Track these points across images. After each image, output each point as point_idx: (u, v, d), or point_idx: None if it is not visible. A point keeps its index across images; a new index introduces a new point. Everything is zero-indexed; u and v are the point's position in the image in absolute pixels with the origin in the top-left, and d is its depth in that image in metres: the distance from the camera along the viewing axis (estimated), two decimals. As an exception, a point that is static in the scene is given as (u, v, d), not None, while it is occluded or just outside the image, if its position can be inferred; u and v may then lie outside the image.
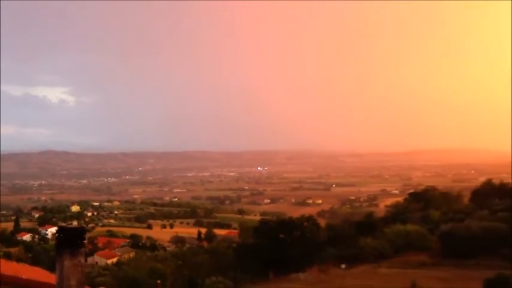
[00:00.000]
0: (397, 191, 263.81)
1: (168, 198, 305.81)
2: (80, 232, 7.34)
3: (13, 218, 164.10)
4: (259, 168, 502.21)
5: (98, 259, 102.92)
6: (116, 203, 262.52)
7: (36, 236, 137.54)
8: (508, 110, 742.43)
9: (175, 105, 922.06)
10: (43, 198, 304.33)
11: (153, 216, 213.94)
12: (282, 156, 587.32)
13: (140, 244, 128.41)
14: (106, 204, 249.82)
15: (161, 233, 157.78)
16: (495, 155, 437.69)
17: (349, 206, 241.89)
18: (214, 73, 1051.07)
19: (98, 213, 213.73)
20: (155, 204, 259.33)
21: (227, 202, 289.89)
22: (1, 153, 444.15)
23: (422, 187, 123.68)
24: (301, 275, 53.73)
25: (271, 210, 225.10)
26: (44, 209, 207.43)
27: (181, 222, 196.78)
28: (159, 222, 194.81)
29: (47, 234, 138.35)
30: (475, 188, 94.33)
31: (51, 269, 10.27)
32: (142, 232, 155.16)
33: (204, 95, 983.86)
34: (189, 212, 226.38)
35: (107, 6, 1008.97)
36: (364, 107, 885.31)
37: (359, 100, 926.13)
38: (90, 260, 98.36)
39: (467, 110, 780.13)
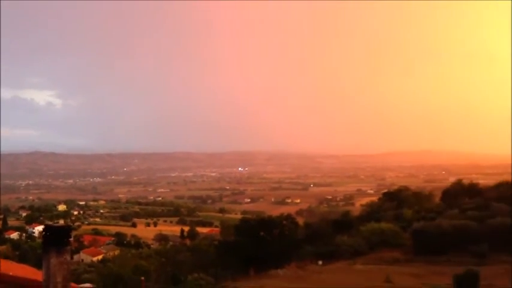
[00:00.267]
0: (371, 191, 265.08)
1: (152, 197, 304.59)
2: (66, 230, 7.29)
3: (1, 216, 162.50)
4: (240, 168, 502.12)
5: (84, 256, 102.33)
6: (102, 202, 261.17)
7: (24, 234, 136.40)
8: (478, 113, 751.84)
9: (160, 108, 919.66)
10: (30, 197, 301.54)
11: (137, 215, 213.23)
12: (262, 157, 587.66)
13: (125, 242, 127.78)
14: (92, 203, 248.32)
15: (145, 231, 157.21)
16: (465, 157, 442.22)
17: (326, 205, 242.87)
18: (197, 76, 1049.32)
19: (83, 212, 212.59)
20: (139, 204, 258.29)
21: (209, 201, 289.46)
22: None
23: (396, 187, 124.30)
24: (280, 271, 53.79)
25: (252, 209, 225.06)
26: (31, 208, 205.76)
27: (165, 221, 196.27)
28: (143, 220, 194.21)
29: (34, 233, 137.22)
30: (445, 188, 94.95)
31: (38, 266, 10.19)
32: (127, 230, 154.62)
33: (187, 98, 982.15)
34: (172, 210, 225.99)
35: (92, 9, 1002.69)
36: (341, 110, 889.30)
37: (336, 103, 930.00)
38: (76, 257, 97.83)
39: (439, 114, 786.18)
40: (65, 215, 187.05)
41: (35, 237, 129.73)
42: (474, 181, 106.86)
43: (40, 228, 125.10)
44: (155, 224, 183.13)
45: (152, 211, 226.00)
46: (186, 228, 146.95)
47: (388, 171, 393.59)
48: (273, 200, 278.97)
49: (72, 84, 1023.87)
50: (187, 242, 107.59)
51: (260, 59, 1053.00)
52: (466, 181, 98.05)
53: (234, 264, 55.08)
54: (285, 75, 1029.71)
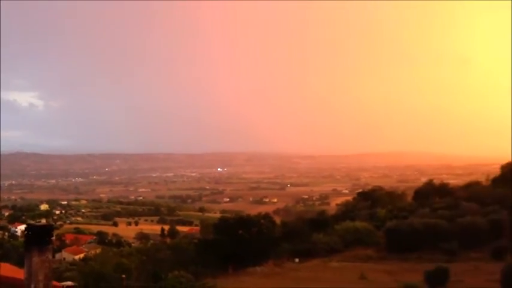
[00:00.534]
0: (346, 191, 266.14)
1: (133, 197, 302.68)
2: (48, 229, 7.21)
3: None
4: (219, 169, 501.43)
5: (66, 255, 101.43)
6: (83, 201, 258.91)
7: (6, 234, 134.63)
8: (450, 115, 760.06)
9: (141, 109, 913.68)
10: (13, 197, 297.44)
11: (118, 214, 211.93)
12: (240, 157, 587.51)
13: (106, 241, 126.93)
14: (74, 203, 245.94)
15: (126, 230, 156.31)
16: (437, 158, 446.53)
17: (302, 205, 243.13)
18: (178, 78, 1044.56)
19: (65, 212, 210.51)
20: (121, 203, 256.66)
21: (189, 201, 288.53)
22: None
23: (370, 187, 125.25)
24: (258, 269, 53.87)
25: (231, 208, 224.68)
26: (14, 207, 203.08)
27: (146, 220, 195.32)
28: (125, 219, 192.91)
29: (16, 232, 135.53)
30: (417, 187, 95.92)
31: (20, 264, 10.07)
32: (109, 229, 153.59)
33: (168, 100, 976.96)
34: (153, 210, 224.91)
35: (73, 11, 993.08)
36: (318, 112, 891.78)
37: (313, 104, 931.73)
38: (58, 256, 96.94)
39: (413, 116, 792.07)
40: (47, 214, 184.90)
41: (17, 236, 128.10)
42: (445, 181, 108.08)
43: (22, 227, 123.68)
44: (136, 223, 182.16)
45: (133, 210, 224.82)
46: (167, 227, 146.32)
47: (363, 172, 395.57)
48: (251, 199, 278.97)
49: (53, 85, 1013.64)
50: (168, 240, 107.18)
51: (239, 62, 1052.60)
52: (437, 181, 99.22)
53: (214, 262, 55.06)
54: (264, 78, 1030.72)
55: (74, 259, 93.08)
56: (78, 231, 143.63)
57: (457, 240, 55.18)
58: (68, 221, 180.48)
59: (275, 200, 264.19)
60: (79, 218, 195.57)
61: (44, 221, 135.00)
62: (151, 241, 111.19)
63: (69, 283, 20.18)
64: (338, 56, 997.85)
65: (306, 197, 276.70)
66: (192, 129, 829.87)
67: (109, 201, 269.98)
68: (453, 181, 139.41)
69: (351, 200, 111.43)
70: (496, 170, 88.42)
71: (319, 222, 75.61)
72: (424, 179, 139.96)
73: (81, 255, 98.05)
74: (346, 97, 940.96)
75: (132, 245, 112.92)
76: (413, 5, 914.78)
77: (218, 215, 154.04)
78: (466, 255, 51.55)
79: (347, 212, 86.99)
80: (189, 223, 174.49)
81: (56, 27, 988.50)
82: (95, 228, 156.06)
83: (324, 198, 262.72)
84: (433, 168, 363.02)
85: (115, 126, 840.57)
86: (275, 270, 52.95)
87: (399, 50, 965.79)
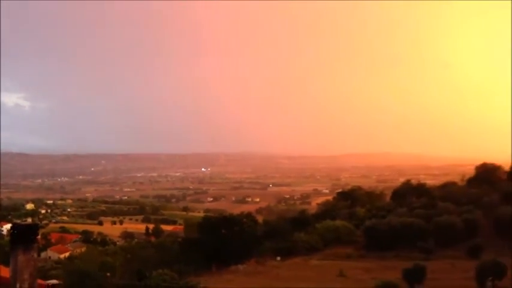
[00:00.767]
0: (327, 191, 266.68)
1: (118, 196, 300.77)
2: (33, 228, 7.16)
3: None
4: (202, 169, 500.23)
5: (51, 254, 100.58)
6: (69, 201, 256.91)
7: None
8: (428, 116, 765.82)
9: (127, 110, 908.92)
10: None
11: (104, 213, 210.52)
12: (223, 158, 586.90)
13: (91, 239, 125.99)
14: (59, 202, 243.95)
15: (111, 229, 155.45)
16: (415, 158, 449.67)
17: (284, 204, 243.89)
18: (161, 78, 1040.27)
19: (51, 211, 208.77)
20: (106, 202, 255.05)
21: (173, 200, 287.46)
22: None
23: (350, 187, 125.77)
24: (241, 267, 53.94)
25: (214, 208, 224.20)
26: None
27: (131, 219, 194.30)
28: (110, 219, 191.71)
29: (2, 231, 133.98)
30: (395, 187, 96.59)
31: (5, 263, 9.98)
32: (94, 228, 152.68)
33: (152, 101, 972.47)
34: (137, 209, 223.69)
35: (58, 13, 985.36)
36: (300, 112, 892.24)
37: (295, 106, 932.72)
38: (43, 254, 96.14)
39: (392, 117, 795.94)
40: (33, 213, 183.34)
41: (3, 235, 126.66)
42: (422, 181, 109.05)
43: (8, 226, 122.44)
44: (121, 222, 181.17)
45: (118, 210, 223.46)
46: (151, 226, 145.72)
47: (343, 172, 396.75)
48: (234, 199, 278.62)
49: (39, 87, 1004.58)
50: (152, 239, 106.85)
51: (223, 64, 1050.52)
52: (414, 181, 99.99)
53: (197, 260, 55.02)
54: (247, 80, 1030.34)
55: (59, 258, 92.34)
56: (64, 230, 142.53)
57: (433, 238, 55.77)
58: (54, 220, 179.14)
59: (257, 200, 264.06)
60: (64, 217, 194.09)
61: (29, 220, 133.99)
62: (136, 240, 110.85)
63: (54, 281, 20.01)
64: (320, 58, 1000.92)
65: (288, 196, 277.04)
66: (177, 129, 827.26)
67: (94, 200, 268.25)
68: (430, 181, 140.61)
69: (331, 199, 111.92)
70: (471, 171, 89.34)
71: (300, 221, 75.90)
72: (402, 179, 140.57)
73: (67, 254, 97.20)
74: (328, 99, 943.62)
75: (117, 243, 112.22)
76: (390, 6, 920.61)
77: (202, 214, 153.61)
78: (442, 253, 52.08)
79: (327, 211, 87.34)
80: (173, 222, 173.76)
81: (41, 28, 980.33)
82: (80, 227, 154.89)
83: (305, 197, 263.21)
84: (411, 168, 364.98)
85: (101, 126, 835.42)
86: (257, 269, 53.05)
87: (380, 53, 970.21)
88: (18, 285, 6.82)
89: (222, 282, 44.75)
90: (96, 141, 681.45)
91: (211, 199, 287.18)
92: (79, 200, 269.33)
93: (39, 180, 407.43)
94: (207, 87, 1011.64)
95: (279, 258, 58.22)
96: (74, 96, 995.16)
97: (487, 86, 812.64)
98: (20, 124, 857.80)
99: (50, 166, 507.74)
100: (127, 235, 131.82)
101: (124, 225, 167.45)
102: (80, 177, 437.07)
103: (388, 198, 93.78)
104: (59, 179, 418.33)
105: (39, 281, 9.29)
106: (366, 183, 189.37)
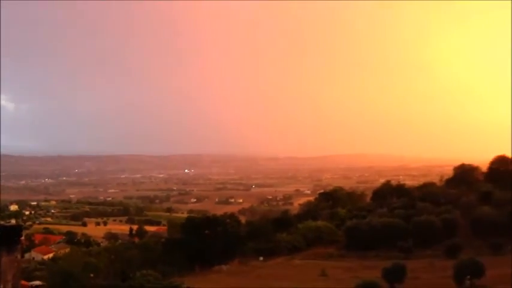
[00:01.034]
0: (309, 191, 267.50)
1: (102, 197, 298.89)
2: (17, 230, 7.12)
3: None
4: (186, 170, 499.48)
5: (35, 255, 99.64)
6: (53, 202, 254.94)
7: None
8: (408, 118, 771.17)
9: (110, 112, 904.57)
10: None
11: (88, 214, 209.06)
12: (207, 159, 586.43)
13: (75, 240, 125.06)
14: (43, 203, 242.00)
15: (95, 230, 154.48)
16: (395, 159, 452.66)
17: (267, 205, 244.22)
18: (145, 80, 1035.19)
19: (35, 212, 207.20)
20: (90, 204, 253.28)
21: (157, 201, 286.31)
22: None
23: (331, 188, 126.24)
24: (224, 267, 53.90)
25: (197, 209, 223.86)
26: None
27: (115, 220, 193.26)
28: (94, 220, 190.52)
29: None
30: (375, 188, 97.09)
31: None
32: (78, 229, 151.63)
33: (135, 102, 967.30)
34: (121, 210, 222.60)
35: (43, 14, 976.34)
36: (282, 115, 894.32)
37: (277, 108, 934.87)
38: (27, 255, 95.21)
39: (373, 119, 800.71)
40: (17, 214, 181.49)
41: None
42: (401, 182, 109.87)
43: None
44: (105, 223, 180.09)
45: (102, 211, 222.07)
46: (135, 227, 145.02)
47: (324, 173, 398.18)
48: (217, 200, 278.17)
49: (23, 89, 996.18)
50: (136, 240, 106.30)
51: (205, 65, 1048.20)
52: (394, 182, 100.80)
53: (181, 260, 54.87)
54: (230, 82, 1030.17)
55: (43, 259, 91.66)
56: (48, 231, 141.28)
57: (412, 238, 56.12)
58: (38, 221, 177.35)
59: (240, 201, 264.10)
60: (48, 219, 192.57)
61: (13, 221, 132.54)
62: (120, 241, 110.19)
63: (38, 282, 19.91)
64: (303, 60, 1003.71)
65: (270, 197, 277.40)
66: (160, 131, 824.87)
67: (78, 201, 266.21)
68: (409, 182, 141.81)
69: (313, 200, 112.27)
70: (449, 172, 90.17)
71: (283, 221, 76.05)
72: (382, 180, 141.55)
73: (50, 255, 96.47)
74: (309, 102, 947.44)
75: (101, 244, 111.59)
76: (368, 7, 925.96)
77: (185, 215, 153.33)
78: (421, 253, 52.46)
79: (309, 211, 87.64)
80: (157, 223, 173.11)
81: (25, 30, 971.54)
82: (64, 228, 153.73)
83: (288, 198, 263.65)
84: (390, 169, 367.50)
85: (85, 128, 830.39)
86: (240, 269, 53.04)
87: (361, 57, 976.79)
88: (1, 286, 6.77)
89: (206, 282, 44.65)
90: (80, 143, 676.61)
91: (195, 200, 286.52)
92: (63, 201, 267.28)
93: (23, 182, 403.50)
94: (190, 89, 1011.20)
95: (261, 258, 58.27)
96: (58, 98, 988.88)
97: (466, 89, 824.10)
98: (3, 125, 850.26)
99: (34, 167, 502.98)
100: (111, 236, 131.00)
101: (108, 226, 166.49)
102: (64, 178, 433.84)
103: (368, 199, 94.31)
104: (43, 180, 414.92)
105: (23, 282, 9.19)
106: (347, 184, 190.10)
